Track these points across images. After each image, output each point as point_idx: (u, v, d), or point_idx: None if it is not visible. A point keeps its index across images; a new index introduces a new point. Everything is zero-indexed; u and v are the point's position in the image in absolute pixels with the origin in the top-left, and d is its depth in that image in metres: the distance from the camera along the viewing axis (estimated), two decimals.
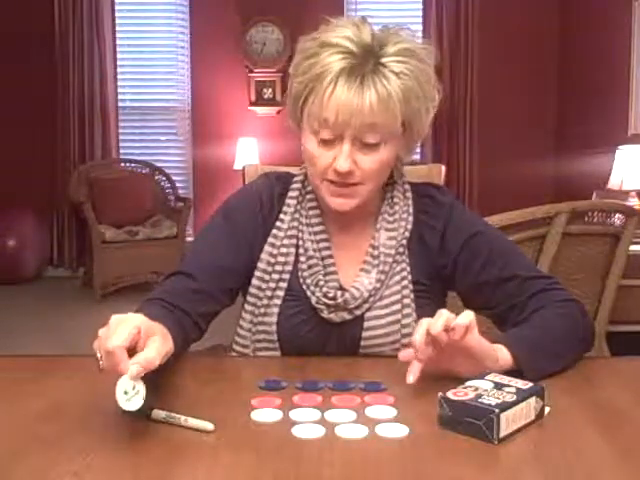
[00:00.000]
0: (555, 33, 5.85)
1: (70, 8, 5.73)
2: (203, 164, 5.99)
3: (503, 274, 1.27)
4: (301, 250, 1.30)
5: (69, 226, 5.87)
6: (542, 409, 0.97)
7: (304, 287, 1.28)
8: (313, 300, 1.27)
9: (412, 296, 1.28)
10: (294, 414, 0.98)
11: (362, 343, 1.27)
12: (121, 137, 6.01)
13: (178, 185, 5.91)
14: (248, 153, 5.80)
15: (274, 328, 1.27)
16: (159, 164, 5.90)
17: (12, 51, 5.72)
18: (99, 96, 5.82)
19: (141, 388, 0.91)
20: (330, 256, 1.29)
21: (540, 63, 5.86)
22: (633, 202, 3.79)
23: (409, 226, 1.30)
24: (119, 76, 5.94)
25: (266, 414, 0.98)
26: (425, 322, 1.04)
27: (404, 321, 1.27)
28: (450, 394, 0.95)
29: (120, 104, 5.97)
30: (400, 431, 0.93)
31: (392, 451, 0.89)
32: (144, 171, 5.84)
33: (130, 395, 0.90)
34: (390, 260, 1.28)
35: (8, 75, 5.69)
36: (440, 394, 0.95)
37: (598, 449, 0.89)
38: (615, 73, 4.76)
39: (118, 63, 5.92)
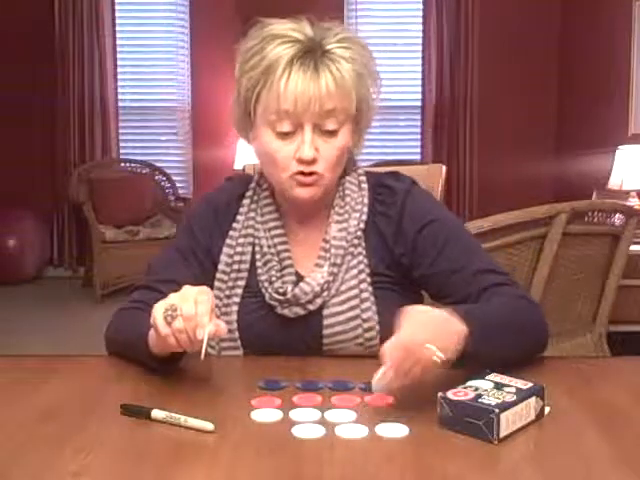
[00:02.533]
0: (555, 33, 5.85)
1: (70, 8, 5.72)
2: (203, 164, 5.98)
3: (458, 263, 1.24)
4: (257, 248, 1.30)
5: (69, 226, 5.87)
6: (542, 409, 0.97)
7: (259, 284, 1.28)
8: (267, 297, 1.26)
9: (370, 289, 1.26)
10: (294, 414, 0.98)
11: (324, 340, 1.25)
12: (121, 137, 6.01)
13: (178, 185, 5.91)
14: (248, 153, 5.80)
15: (235, 326, 1.27)
16: (159, 164, 5.90)
17: (12, 51, 5.72)
18: (99, 96, 5.81)
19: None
20: (286, 250, 1.29)
21: (540, 63, 5.85)
22: (633, 202, 3.80)
23: (363, 217, 1.29)
24: (119, 76, 5.93)
25: (266, 414, 0.98)
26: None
27: (364, 315, 1.24)
28: (450, 394, 0.95)
29: (120, 104, 5.96)
30: (400, 431, 0.93)
31: (392, 451, 0.89)
32: (144, 171, 5.84)
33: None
34: (342, 252, 1.26)
35: (8, 75, 5.69)
36: (440, 394, 0.95)
37: (598, 449, 0.89)
38: (615, 73, 4.76)
39: (118, 63, 5.92)
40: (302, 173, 1.21)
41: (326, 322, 1.25)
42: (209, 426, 0.93)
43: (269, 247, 1.29)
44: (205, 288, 1.06)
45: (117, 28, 5.89)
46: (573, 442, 0.92)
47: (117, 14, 5.88)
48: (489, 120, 5.79)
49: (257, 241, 1.30)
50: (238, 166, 5.74)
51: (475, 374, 1.01)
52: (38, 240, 5.70)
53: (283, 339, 1.26)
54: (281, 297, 1.25)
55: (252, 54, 1.21)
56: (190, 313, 1.01)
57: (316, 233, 1.30)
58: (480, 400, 0.93)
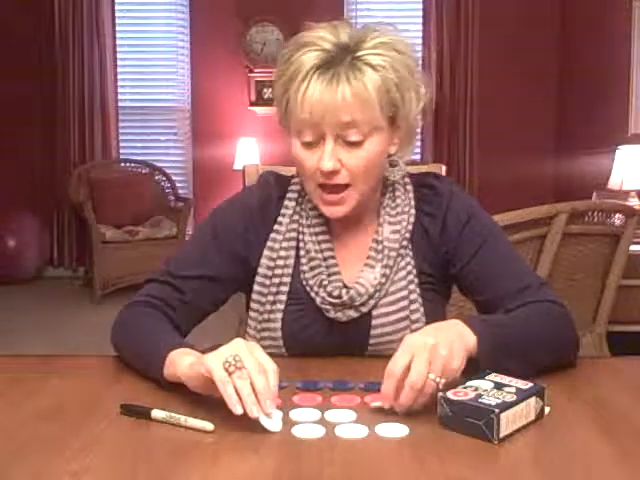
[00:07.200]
0: (555, 33, 5.85)
1: (70, 8, 5.72)
2: (203, 164, 5.99)
3: (497, 261, 1.25)
4: (302, 252, 1.27)
5: (69, 226, 5.87)
6: (542, 409, 0.97)
7: (307, 289, 1.26)
8: (318, 301, 1.24)
9: (419, 290, 1.26)
10: (294, 414, 0.98)
11: (371, 341, 1.25)
12: (121, 137, 6.00)
13: (178, 185, 5.91)
14: (248, 153, 5.79)
15: (279, 334, 1.26)
16: (159, 164, 5.89)
17: (12, 51, 5.72)
18: (99, 96, 5.81)
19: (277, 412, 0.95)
20: (332, 257, 1.27)
21: (540, 63, 5.85)
22: (633, 202, 3.80)
23: (411, 219, 1.29)
24: (119, 76, 5.93)
25: None
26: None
27: (413, 316, 1.25)
28: (450, 394, 0.95)
29: (120, 104, 5.96)
30: (400, 431, 0.93)
31: (392, 451, 0.89)
32: (144, 171, 5.83)
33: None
34: (394, 254, 1.26)
35: (8, 75, 5.69)
36: (440, 394, 0.95)
37: (598, 449, 0.89)
38: (615, 73, 4.76)
39: (118, 63, 5.91)
40: (325, 187, 1.20)
41: (375, 322, 1.25)
42: (209, 426, 0.93)
43: (316, 252, 1.27)
44: (271, 364, 0.99)
45: (117, 28, 5.88)
46: (573, 442, 0.92)
47: (117, 14, 5.88)
48: (489, 120, 5.79)
49: (302, 245, 1.28)
50: (238, 166, 5.74)
51: (475, 374, 1.01)
52: (38, 240, 5.69)
53: (329, 344, 1.26)
54: (336, 300, 1.24)
55: (283, 61, 1.20)
56: (264, 385, 0.96)
57: (362, 236, 1.29)
58: (480, 400, 0.93)
